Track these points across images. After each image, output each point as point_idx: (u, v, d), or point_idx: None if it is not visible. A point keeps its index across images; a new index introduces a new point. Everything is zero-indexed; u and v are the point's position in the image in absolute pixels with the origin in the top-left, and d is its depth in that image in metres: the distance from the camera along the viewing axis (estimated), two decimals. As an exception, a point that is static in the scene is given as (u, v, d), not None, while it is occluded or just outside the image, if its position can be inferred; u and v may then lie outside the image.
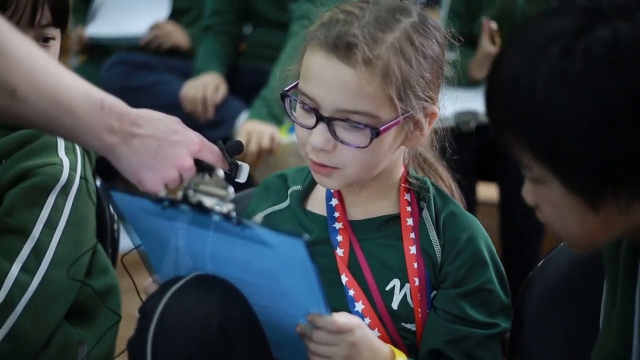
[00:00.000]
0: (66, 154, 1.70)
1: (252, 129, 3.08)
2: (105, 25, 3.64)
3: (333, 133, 1.45)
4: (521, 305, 1.55)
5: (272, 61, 3.17)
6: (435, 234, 1.53)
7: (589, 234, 1.16)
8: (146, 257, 1.45)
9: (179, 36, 3.61)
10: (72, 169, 1.70)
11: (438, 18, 1.59)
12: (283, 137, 3.13)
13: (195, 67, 3.42)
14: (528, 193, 1.20)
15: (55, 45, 1.69)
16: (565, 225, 1.17)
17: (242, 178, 1.44)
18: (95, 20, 3.67)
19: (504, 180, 3.07)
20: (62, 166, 1.68)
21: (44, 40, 1.66)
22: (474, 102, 2.95)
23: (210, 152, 1.40)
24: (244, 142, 2.97)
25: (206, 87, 3.29)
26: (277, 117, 3.12)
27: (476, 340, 1.49)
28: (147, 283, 1.48)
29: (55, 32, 1.69)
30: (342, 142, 1.45)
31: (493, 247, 1.54)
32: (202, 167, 1.39)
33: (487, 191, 3.35)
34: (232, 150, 1.44)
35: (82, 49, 3.71)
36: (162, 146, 1.35)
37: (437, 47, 1.49)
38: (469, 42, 3.01)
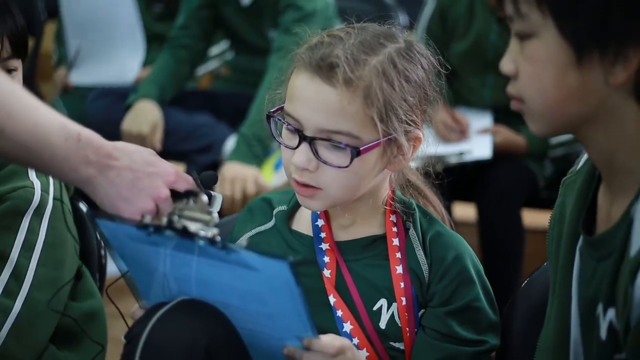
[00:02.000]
0: (37, 176, 1.71)
1: (235, 175, 3.06)
2: (91, 73, 3.62)
3: (315, 153, 1.46)
4: (507, 325, 1.56)
5: (256, 87, 3.17)
6: (422, 253, 1.54)
7: (564, 98, 1.18)
8: (133, 283, 1.45)
9: None
10: (44, 190, 1.70)
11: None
12: (267, 176, 3.14)
13: (139, 87, 3.35)
14: (509, 60, 1.22)
15: (18, 75, 1.71)
16: (542, 85, 1.18)
17: (215, 208, 1.45)
18: (80, 67, 3.64)
19: (482, 200, 3.08)
20: (34, 188, 1.69)
21: (7, 72, 1.67)
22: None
23: (185, 183, 1.42)
24: (228, 190, 2.99)
25: (142, 125, 3.22)
26: (258, 157, 3.11)
27: (465, 358, 1.50)
28: (135, 309, 1.48)
29: (17, 63, 1.71)
30: (324, 161, 1.46)
31: (480, 265, 1.55)
32: (186, 192, 1.40)
33: (465, 211, 3.37)
34: (207, 180, 1.46)
35: (64, 90, 3.69)
36: (139, 177, 1.37)
37: (422, 72, 1.50)
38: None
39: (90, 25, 3.56)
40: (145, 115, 3.23)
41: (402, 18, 3.59)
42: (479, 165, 3.06)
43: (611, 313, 1.19)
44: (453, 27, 3.25)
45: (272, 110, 1.53)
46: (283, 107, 1.52)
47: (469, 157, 3.05)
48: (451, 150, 3.04)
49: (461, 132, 3.14)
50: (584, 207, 1.29)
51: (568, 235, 1.30)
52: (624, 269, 1.16)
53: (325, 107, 1.45)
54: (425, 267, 1.53)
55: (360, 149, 1.45)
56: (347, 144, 1.45)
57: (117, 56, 3.59)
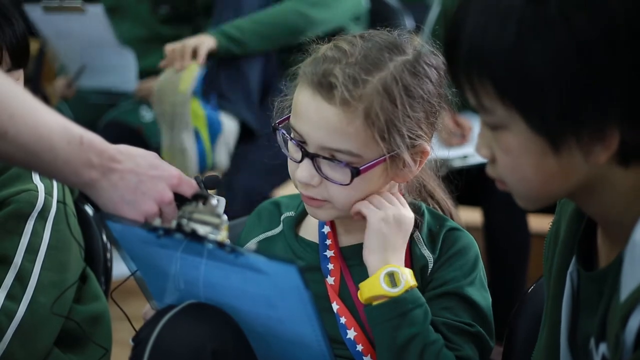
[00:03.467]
0: (41, 179, 1.71)
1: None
2: (92, 79, 3.62)
3: (318, 169, 1.46)
4: (513, 330, 1.56)
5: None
6: (428, 251, 1.52)
7: (546, 181, 1.15)
8: (143, 284, 1.46)
9: None
10: (48, 193, 1.70)
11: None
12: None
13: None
14: (483, 146, 1.19)
15: (19, 85, 1.70)
16: (522, 174, 1.16)
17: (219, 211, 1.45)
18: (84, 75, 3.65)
19: (488, 205, 3.07)
20: (37, 191, 1.69)
21: None
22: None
23: (188, 186, 1.41)
24: (179, 46, 2.97)
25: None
26: (225, 34, 3.05)
27: (448, 329, 1.47)
28: (146, 309, 1.49)
29: (18, 74, 1.71)
30: (326, 178, 1.46)
31: (482, 265, 1.54)
32: (195, 195, 1.39)
33: (470, 215, 3.36)
34: (210, 184, 1.46)
35: (64, 97, 3.69)
36: (142, 181, 1.36)
37: (430, 86, 1.48)
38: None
39: (75, 46, 3.56)
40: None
41: (408, 22, 3.58)
42: (485, 170, 3.04)
43: (603, 347, 1.18)
44: None
45: (277, 122, 1.53)
46: (288, 118, 1.51)
47: (473, 161, 3.03)
48: (455, 154, 3.02)
49: (462, 137, 3.12)
50: (576, 235, 1.28)
51: (559, 259, 1.30)
52: (614, 313, 1.15)
53: (326, 125, 1.44)
54: (431, 260, 1.52)
55: (360, 168, 1.44)
56: (347, 163, 1.44)
57: (113, 68, 3.59)
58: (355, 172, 1.44)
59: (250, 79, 3.19)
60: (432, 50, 1.52)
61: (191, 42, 3.01)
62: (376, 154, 1.45)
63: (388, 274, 1.45)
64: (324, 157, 1.45)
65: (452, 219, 1.60)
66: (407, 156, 1.47)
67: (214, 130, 3.11)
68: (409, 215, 1.50)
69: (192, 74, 3.03)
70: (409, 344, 1.43)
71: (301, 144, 1.47)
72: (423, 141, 1.49)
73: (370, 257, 1.48)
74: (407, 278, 1.45)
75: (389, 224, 1.48)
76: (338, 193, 1.47)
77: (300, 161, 1.47)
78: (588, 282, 1.25)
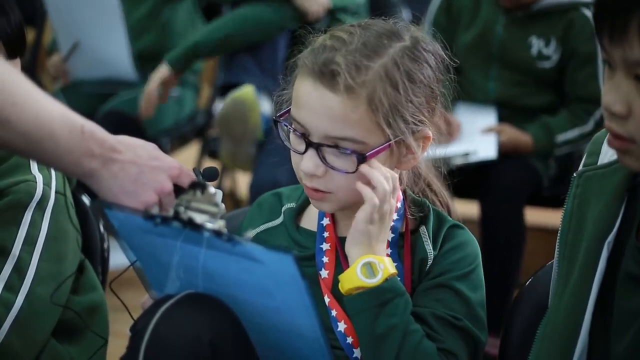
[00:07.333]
0: (39, 170, 1.71)
1: None
2: (86, 68, 3.61)
3: (322, 158, 1.46)
4: (511, 321, 1.56)
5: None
6: (430, 246, 1.53)
7: None
8: (142, 274, 1.46)
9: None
10: (46, 184, 1.70)
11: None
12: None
13: None
14: (618, 101, 1.16)
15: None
16: None
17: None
18: (73, 62, 3.63)
19: (486, 198, 3.07)
20: (36, 182, 1.69)
21: None
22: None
23: (188, 178, 1.42)
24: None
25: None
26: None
27: (435, 319, 1.47)
28: (145, 299, 1.49)
29: (14, 63, 1.71)
30: (332, 167, 1.46)
31: (479, 263, 1.54)
32: (193, 184, 1.39)
33: (467, 208, 3.36)
34: (209, 175, 1.47)
35: (57, 77, 3.67)
36: (143, 171, 1.36)
37: (429, 70, 1.49)
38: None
39: (76, 21, 3.54)
40: None
41: (405, 13, 3.58)
42: (483, 164, 3.05)
43: None
44: (458, 17, 3.23)
45: (278, 115, 1.53)
46: (289, 111, 1.51)
47: (475, 158, 3.03)
48: (456, 151, 3.02)
49: (449, 134, 3.10)
50: (618, 209, 1.27)
51: (594, 229, 1.29)
52: None
53: (329, 113, 1.44)
54: (431, 255, 1.52)
55: (367, 154, 1.44)
56: (353, 150, 1.44)
57: (106, 50, 3.57)
58: (362, 159, 1.44)
59: (277, 58, 3.23)
60: (428, 38, 1.52)
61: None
62: (380, 140, 1.45)
63: (365, 265, 1.45)
64: (329, 146, 1.45)
65: (449, 211, 1.60)
66: (411, 141, 1.47)
67: (268, 125, 3.18)
68: (392, 206, 1.48)
69: (256, 106, 3.12)
70: (388, 334, 1.43)
71: (304, 134, 1.47)
72: (425, 126, 1.49)
73: (351, 250, 1.47)
74: (386, 267, 1.45)
75: (374, 223, 1.45)
76: (343, 182, 1.46)
77: (304, 152, 1.47)
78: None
